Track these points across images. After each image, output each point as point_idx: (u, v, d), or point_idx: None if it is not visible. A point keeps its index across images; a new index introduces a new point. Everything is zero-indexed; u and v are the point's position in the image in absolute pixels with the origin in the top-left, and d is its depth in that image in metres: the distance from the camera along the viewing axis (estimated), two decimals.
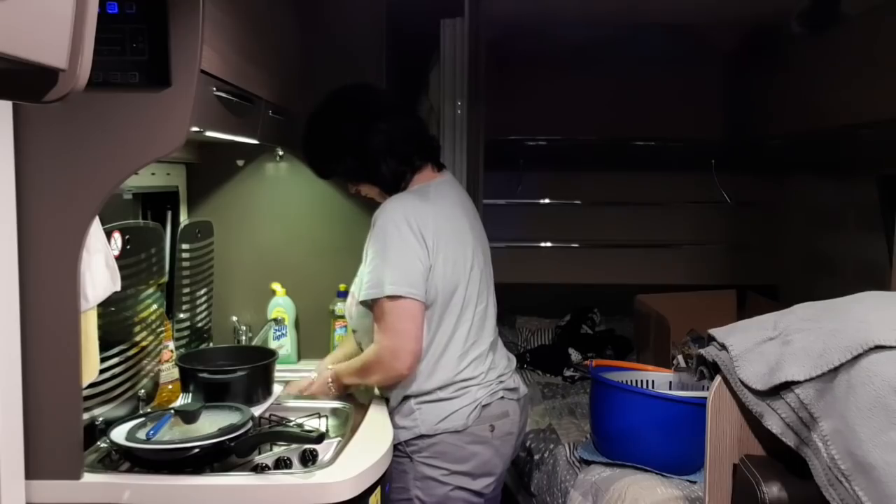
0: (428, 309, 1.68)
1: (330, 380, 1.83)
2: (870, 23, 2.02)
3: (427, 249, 1.66)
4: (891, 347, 1.03)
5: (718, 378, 1.22)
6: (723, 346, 1.23)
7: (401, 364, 1.65)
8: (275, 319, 2.19)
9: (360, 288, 1.71)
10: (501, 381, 1.79)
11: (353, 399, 1.87)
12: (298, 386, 1.90)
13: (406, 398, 1.73)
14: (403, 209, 1.68)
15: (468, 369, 1.73)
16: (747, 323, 1.28)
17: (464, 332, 1.74)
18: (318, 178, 1.92)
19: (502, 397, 1.77)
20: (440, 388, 1.71)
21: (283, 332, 2.21)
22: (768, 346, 1.17)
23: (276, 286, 2.23)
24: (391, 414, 1.75)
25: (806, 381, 1.09)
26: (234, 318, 2.25)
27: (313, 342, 2.26)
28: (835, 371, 1.06)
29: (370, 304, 1.69)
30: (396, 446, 1.69)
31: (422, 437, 1.70)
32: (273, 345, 2.16)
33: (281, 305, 2.22)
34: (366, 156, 1.74)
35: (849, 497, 1.00)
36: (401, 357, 1.65)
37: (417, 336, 1.65)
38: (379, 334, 1.67)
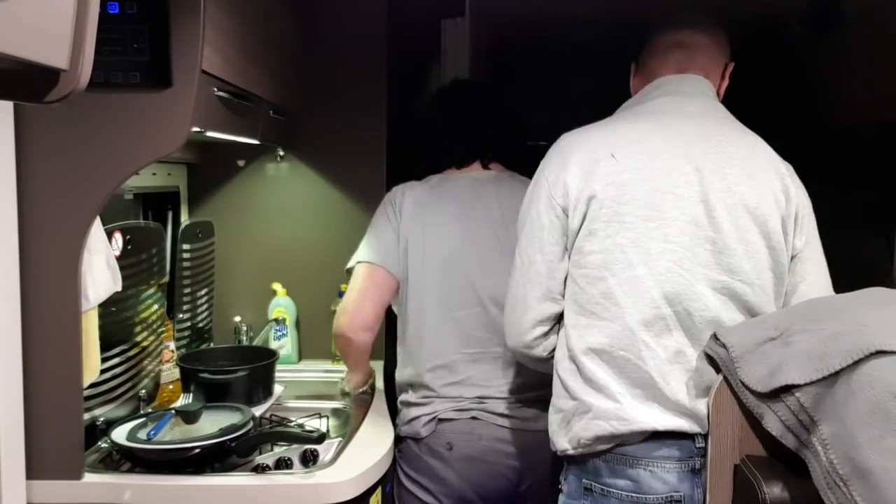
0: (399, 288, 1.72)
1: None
2: (871, 23, 2.02)
3: (397, 229, 1.70)
4: (892, 353, 1.02)
5: (720, 378, 1.22)
6: (724, 346, 1.23)
7: (347, 319, 1.69)
8: (276, 319, 2.19)
9: None
10: (482, 402, 1.65)
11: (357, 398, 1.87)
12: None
13: (399, 393, 1.77)
14: (393, 192, 1.76)
15: (429, 375, 1.66)
16: (749, 322, 1.28)
17: (429, 333, 1.67)
18: None
19: (474, 417, 1.64)
20: (410, 386, 1.72)
21: (284, 332, 2.21)
22: (769, 347, 1.17)
23: (277, 286, 2.23)
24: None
25: (806, 384, 1.09)
26: (237, 319, 2.24)
27: (314, 342, 2.26)
28: (835, 375, 1.06)
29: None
30: None
31: (397, 436, 1.70)
32: (274, 345, 2.17)
33: (282, 306, 2.22)
34: (423, 129, 1.83)
35: (847, 501, 1.00)
36: (349, 311, 1.69)
37: (372, 297, 1.69)
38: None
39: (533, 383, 1.64)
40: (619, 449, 1.28)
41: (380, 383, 1.99)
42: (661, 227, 1.27)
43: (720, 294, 1.27)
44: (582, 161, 1.33)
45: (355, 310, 1.68)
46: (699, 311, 1.26)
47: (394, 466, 1.69)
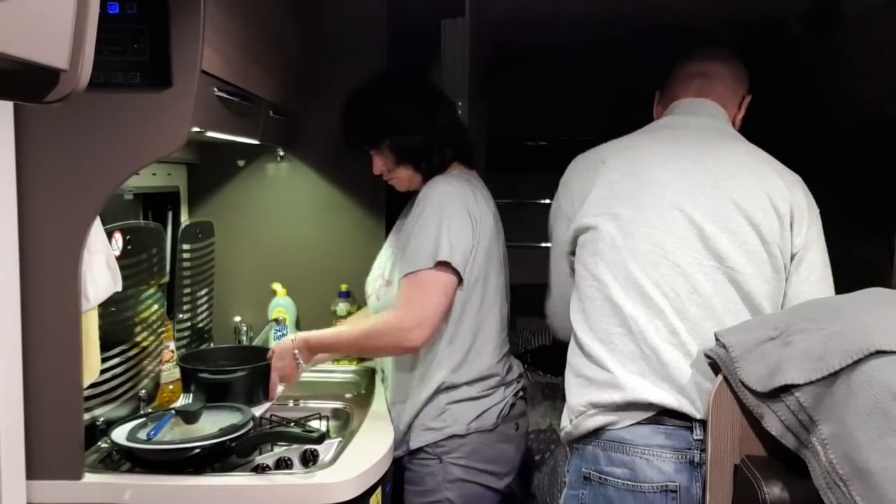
0: (461, 290, 1.66)
1: (296, 350, 1.72)
2: (871, 23, 2.02)
3: (474, 229, 1.66)
4: (891, 352, 1.02)
5: (720, 378, 1.22)
6: (723, 346, 1.23)
7: (418, 335, 1.60)
8: (276, 319, 2.18)
9: (391, 266, 1.74)
10: (519, 381, 1.82)
11: (353, 399, 1.87)
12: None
13: (435, 395, 1.68)
14: (454, 189, 1.67)
15: (498, 366, 1.75)
16: (748, 322, 1.28)
17: (494, 327, 1.75)
18: (353, 145, 1.83)
19: (522, 396, 1.82)
20: (468, 384, 1.69)
21: (284, 332, 2.21)
22: (769, 347, 1.17)
23: (277, 286, 2.23)
24: (415, 416, 1.71)
25: (806, 384, 1.09)
26: (237, 319, 2.25)
27: None
28: (835, 375, 1.06)
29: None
30: (423, 449, 1.68)
31: (452, 437, 1.67)
32: (274, 345, 2.16)
33: (282, 306, 2.22)
34: (429, 138, 1.74)
35: (846, 501, 1.00)
36: (424, 328, 1.60)
37: (444, 312, 1.63)
38: (406, 302, 1.62)
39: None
40: (615, 434, 1.32)
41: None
42: (644, 215, 1.37)
43: (711, 278, 1.33)
44: (582, 176, 1.49)
45: (432, 331, 1.62)
46: (687, 293, 1.33)
47: (432, 471, 1.68)
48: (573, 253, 1.47)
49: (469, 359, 1.70)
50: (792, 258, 1.38)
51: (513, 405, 1.76)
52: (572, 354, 1.45)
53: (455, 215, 1.64)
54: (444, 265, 1.61)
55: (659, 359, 1.30)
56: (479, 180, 1.82)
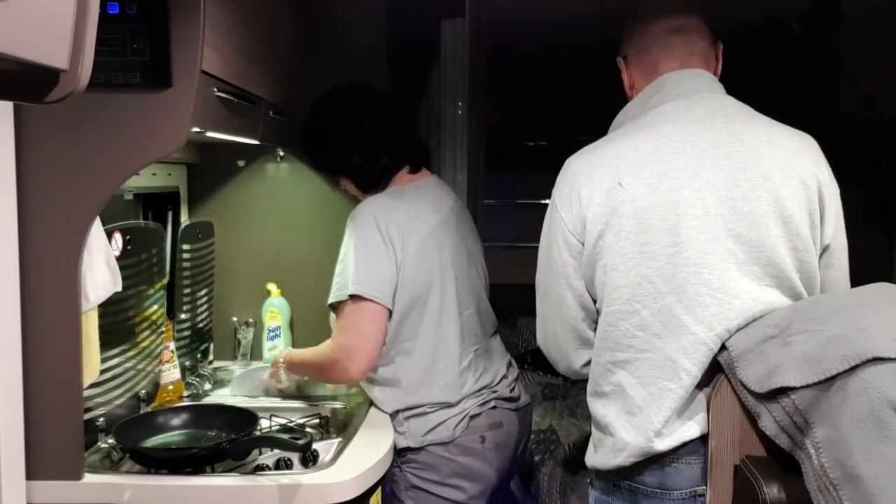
0: (400, 315, 1.64)
1: (282, 360, 1.84)
2: (870, 23, 2.02)
3: (395, 253, 1.63)
4: (888, 360, 1.03)
5: (721, 378, 1.22)
6: (724, 346, 1.23)
7: (355, 366, 1.61)
8: (247, 322, 2.23)
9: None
10: (494, 391, 1.73)
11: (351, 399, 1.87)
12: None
13: (396, 412, 1.69)
14: (374, 211, 1.66)
15: (457, 384, 1.68)
16: (751, 322, 1.28)
17: (450, 342, 1.68)
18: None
19: (494, 407, 1.72)
20: (427, 404, 1.67)
21: (278, 332, 2.21)
22: (769, 346, 1.17)
23: (272, 287, 2.22)
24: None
25: (802, 387, 1.09)
26: (236, 319, 2.25)
27: (310, 343, 2.26)
28: (831, 380, 1.06)
29: (335, 307, 1.66)
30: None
31: (409, 448, 1.66)
32: (267, 346, 2.17)
33: (275, 306, 2.21)
34: (336, 149, 1.79)
35: None
36: (356, 359, 1.60)
37: (377, 340, 1.62)
38: (338, 332, 1.64)
39: (513, 366, 1.85)
40: None
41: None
42: (682, 252, 1.24)
43: (756, 304, 1.24)
44: (591, 193, 1.31)
45: (368, 360, 1.62)
46: (739, 327, 1.24)
47: (395, 477, 1.67)
48: (580, 281, 1.34)
49: (422, 381, 1.67)
50: (825, 250, 1.31)
51: (475, 416, 1.68)
52: (606, 410, 1.31)
53: (366, 245, 1.62)
54: (359, 297, 1.59)
55: (703, 401, 1.25)
56: (427, 186, 1.77)
